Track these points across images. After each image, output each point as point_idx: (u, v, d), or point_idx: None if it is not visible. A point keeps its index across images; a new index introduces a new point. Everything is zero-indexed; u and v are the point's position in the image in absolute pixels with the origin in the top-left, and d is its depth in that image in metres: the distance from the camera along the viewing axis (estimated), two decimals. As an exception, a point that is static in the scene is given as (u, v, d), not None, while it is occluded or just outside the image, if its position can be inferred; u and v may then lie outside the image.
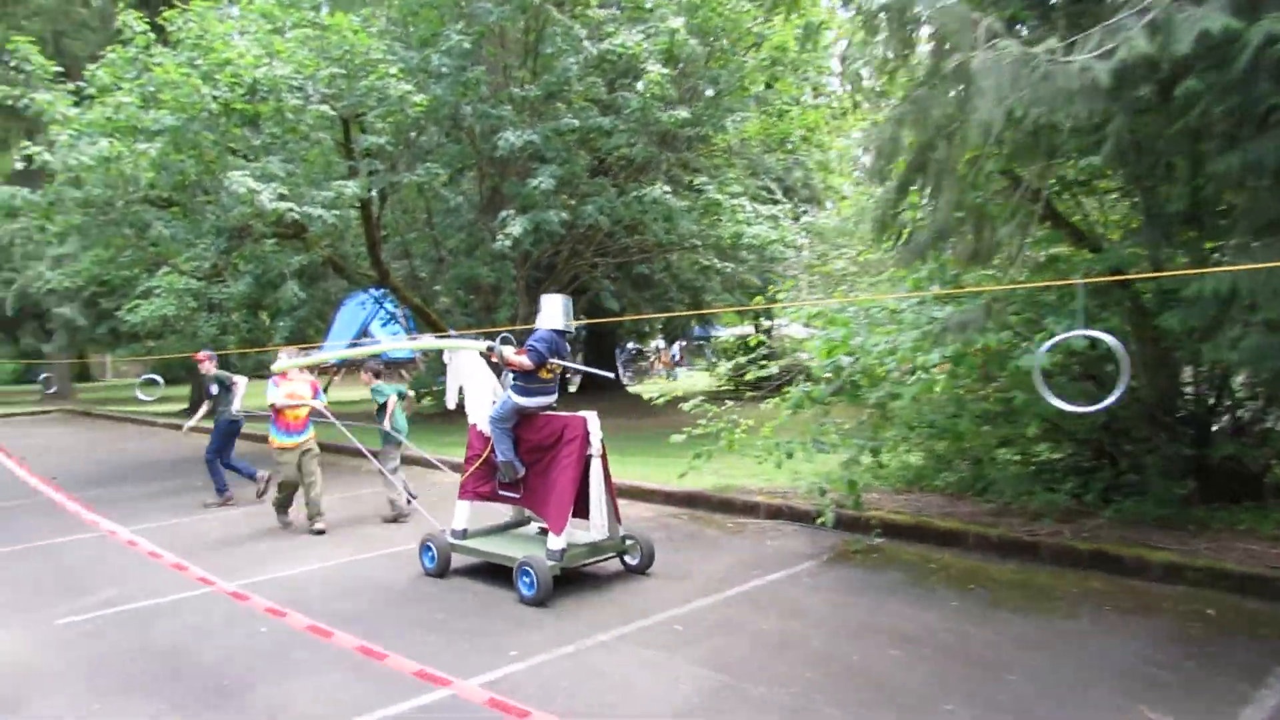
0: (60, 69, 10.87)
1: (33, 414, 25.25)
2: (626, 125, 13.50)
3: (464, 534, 6.45)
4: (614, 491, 6.31)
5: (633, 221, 14.41)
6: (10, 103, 10.12)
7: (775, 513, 7.83)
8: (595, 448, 6.05)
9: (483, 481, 6.50)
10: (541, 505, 6.14)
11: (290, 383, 8.12)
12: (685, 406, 8.12)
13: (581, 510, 6.11)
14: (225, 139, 10.58)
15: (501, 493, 6.42)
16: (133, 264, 13.69)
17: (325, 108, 10.61)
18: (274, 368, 8.02)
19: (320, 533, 7.81)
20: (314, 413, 8.26)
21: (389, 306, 20.13)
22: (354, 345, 27.81)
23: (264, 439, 8.94)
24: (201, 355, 9.68)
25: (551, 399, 6.35)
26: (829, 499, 6.65)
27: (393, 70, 10.82)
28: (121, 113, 9.75)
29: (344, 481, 10.56)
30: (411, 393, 12.02)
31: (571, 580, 6.06)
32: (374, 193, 11.42)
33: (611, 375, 24.72)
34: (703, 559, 6.65)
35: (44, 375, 26.17)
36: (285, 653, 4.80)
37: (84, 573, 6.70)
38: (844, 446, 6.80)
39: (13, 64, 11.09)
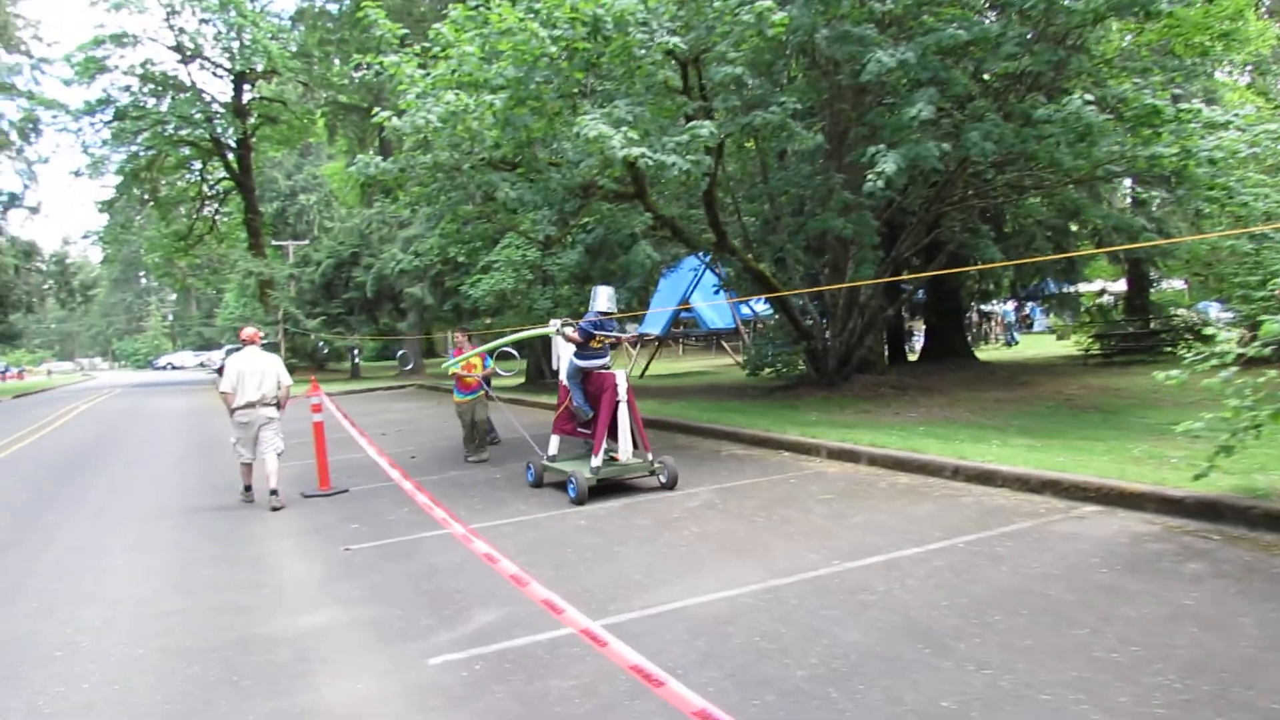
0: (406, 30, 10.37)
1: (389, 389, 27.01)
2: (1018, 30, 10.90)
3: (553, 459, 9.03)
4: (641, 425, 8.51)
5: (1016, 153, 11.75)
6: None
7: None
8: (621, 395, 8.36)
9: (565, 421, 9.17)
10: (592, 436, 8.49)
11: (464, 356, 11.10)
12: (1160, 376, 5.69)
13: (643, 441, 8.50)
14: (568, 85, 9.45)
15: (578, 430, 8.99)
16: (478, 235, 13.26)
17: (676, 39, 9.13)
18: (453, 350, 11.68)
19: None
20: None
21: (724, 269, 18.78)
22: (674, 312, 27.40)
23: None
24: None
25: (601, 361, 8.77)
26: None
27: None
28: (465, 64, 8.93)
29: (727, 469, 9.15)
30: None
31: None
32: (724, 135, 9.82)
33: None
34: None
35: (401, 352, 28.11)
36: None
37: (447, 584, 5.66)
38: None
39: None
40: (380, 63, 9.51)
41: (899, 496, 7.41)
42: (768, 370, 17.37)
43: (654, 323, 27.30)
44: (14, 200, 37.17)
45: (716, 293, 18.50)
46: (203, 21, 36.85)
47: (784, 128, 10.39)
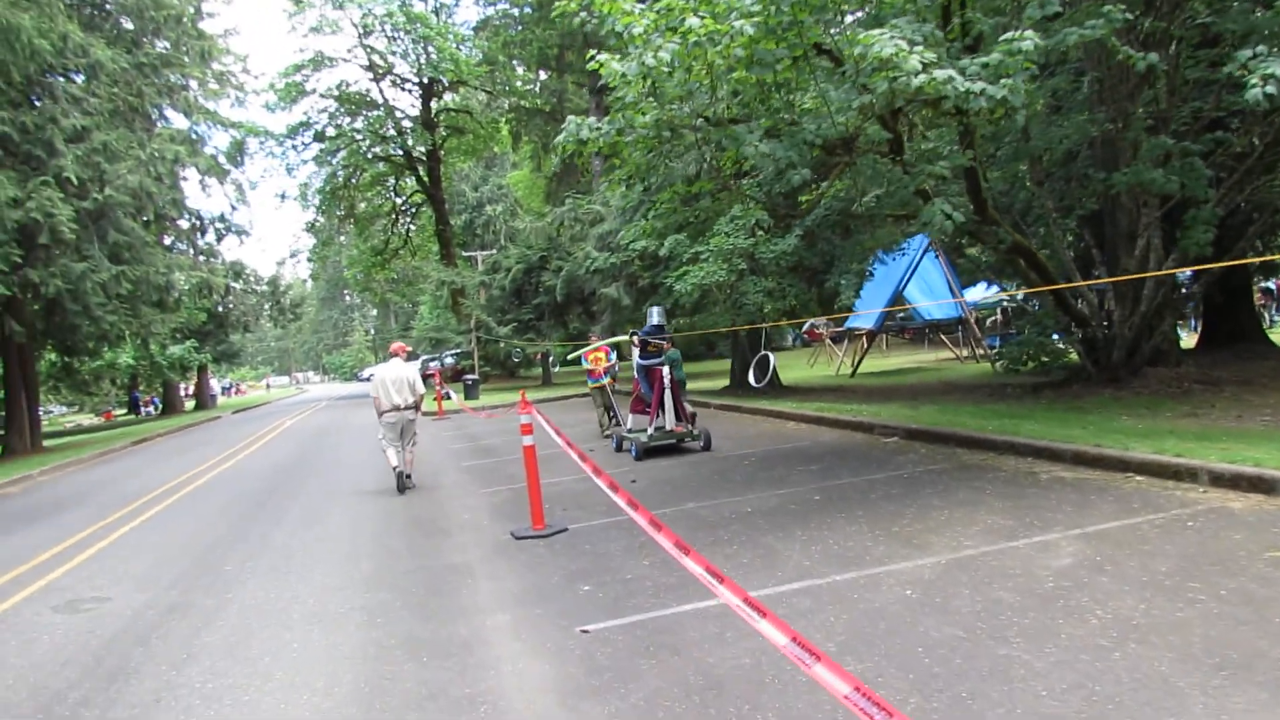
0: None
1: (585, 396, 25.65)
2: None
3: (629, 430, 12.47)
4: (680, 404, 12.06)
5: None
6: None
7: None
8: (666, 384, 11.73)
9: (636, 404, 12.68)
10: (649, 411, 12.00)
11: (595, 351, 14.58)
12: None
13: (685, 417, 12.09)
14: (827, 10, 7.29)
15: (646, 410, 12.23)
16: (700, 213, 11.28)
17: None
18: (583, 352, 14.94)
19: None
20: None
21: (970, 252, 15.94)
22: (889, 307, 24.61)
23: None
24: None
25: (656, 360, 12.13)
26: None
27: None
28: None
29: (1070, 503, 6.70)
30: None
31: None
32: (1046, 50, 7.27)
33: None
34: None
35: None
36: None
37: (748, 710, 3.64)
38: None
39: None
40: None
41: None
42: (1030, 364, 14.46)
43: (864, 315, 24.65)
44: (224, 222, 38.78)
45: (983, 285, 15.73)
46: (391, 38, 37.24)
47: (1111, 50, 7.75)
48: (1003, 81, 6.67)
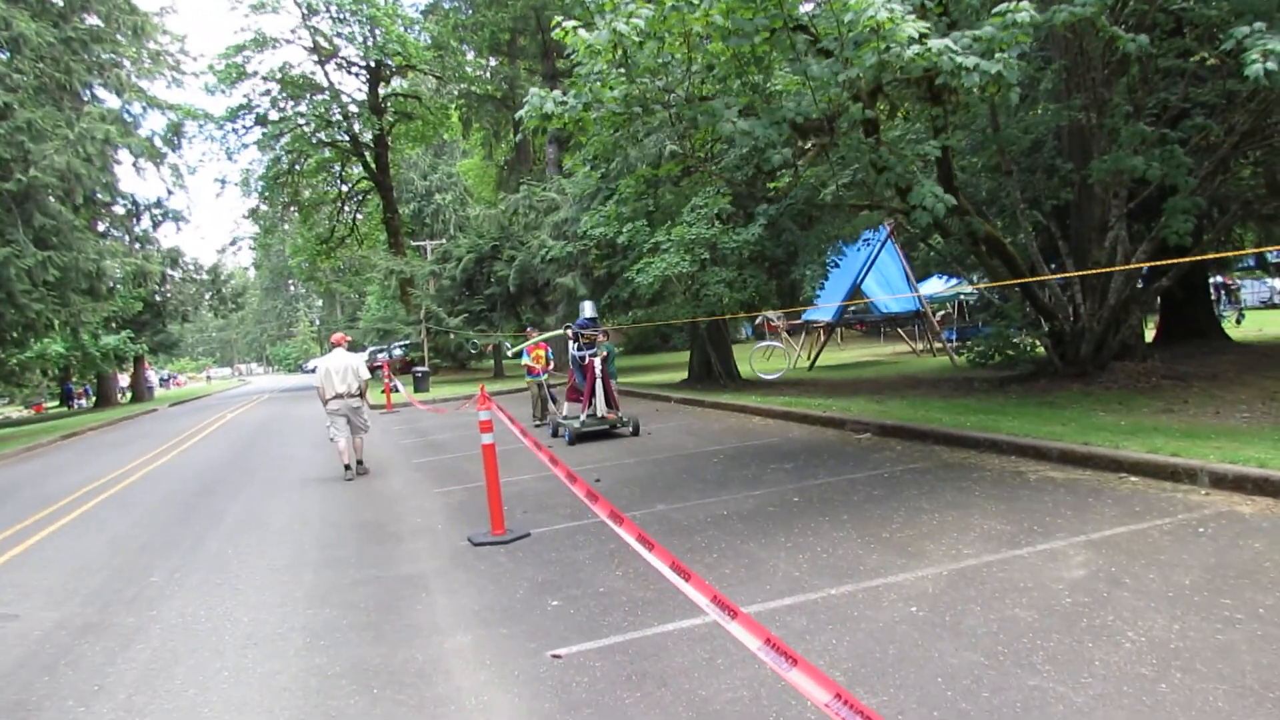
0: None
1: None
2: None
3: (565, 416, 13.53)
4: (612, 392, 13.16)
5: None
6: None
7: None
8: (597, 371, 12.81)
9: (571, 392, 13.60)
10: (582, 399, 12.95)
11: (535, 349, 15.48)
12: None
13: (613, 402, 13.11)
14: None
15: (578, 398, 13.11)
16: (667, 198, 10.74)
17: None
18: (524, 346, 15.98)
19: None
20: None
21: (930, 243, 15.57)
22: (847, 302, 24.38)
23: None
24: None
25: (589, 352, 12.93)
26: None
27: None
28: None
29: (1068, 507, 6.32)
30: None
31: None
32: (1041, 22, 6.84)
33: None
34: None
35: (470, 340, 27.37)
36: None
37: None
38: None
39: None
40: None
41: None
42: (997, 358, 14.22)
43: (822, 308, 24.35)
44: (161, 208, 37.25)
45: (946, 279, 15.45)
46: (337, 19, 36.04)
47: (1099, 29, 7.40)
48: (997, 56, 6.26)
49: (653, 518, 7.05)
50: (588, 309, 13.82)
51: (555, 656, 4.29)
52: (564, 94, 7.23)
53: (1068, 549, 5.26)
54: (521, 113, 7.32)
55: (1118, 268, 11.48)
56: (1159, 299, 19.26)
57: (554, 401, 15.43)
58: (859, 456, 9.04)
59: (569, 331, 13.38)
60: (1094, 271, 11.82)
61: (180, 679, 4.44)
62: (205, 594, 5.95)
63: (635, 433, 12.67)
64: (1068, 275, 12.24)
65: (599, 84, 7.32)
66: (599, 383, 12.79)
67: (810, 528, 6.25)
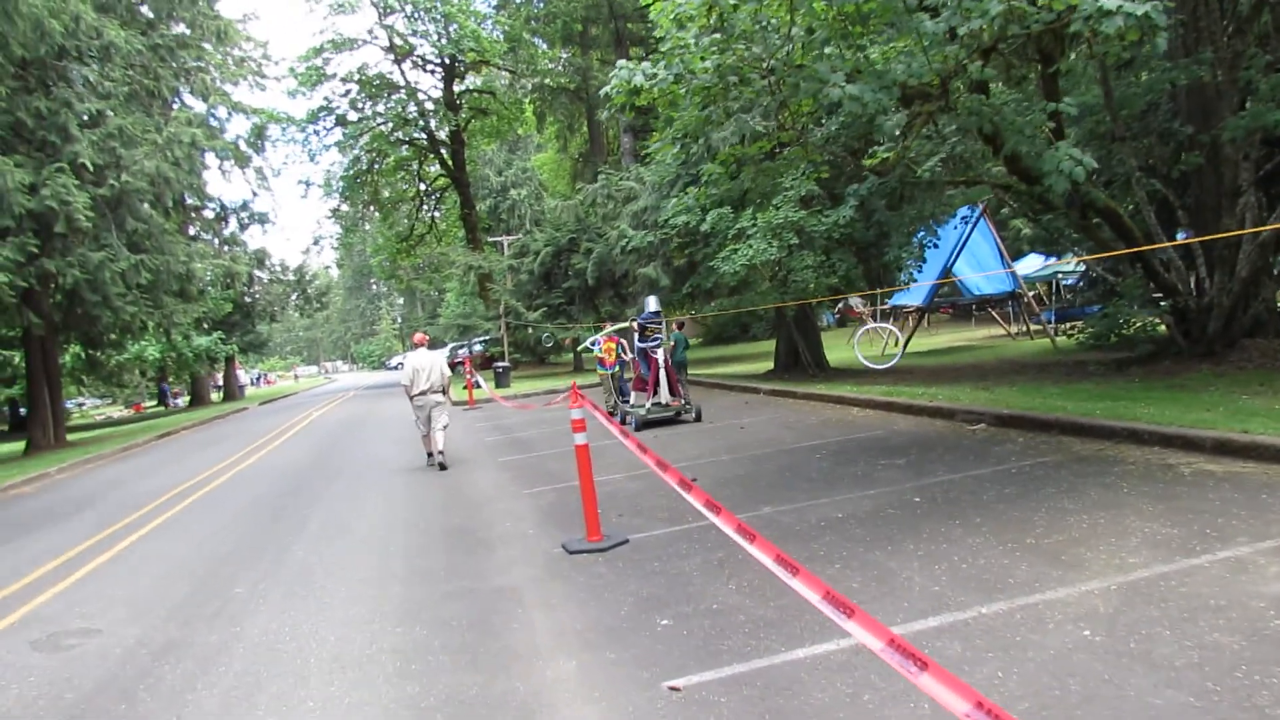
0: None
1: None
2: None
3: (632, 405, 14.01)
4: (674, 380, 13.63)
5: None
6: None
7: None
8: (660, 361, 13.45)
9: (638, 382, 14.23)
10: (649, 388, 13.65)
11: (608, 341, 15.25)
12: None
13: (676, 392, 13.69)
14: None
15: (644, 388, 13.80)
16: (762, 176, 10.09)
17: None
18: (598, 338, 15.93)
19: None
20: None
21: (1015, 223, 14.54)
22: (939, 283, 23.36)
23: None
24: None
25: (653, 343, 13.69)
26: None
27: None
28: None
29: (1247, 510, 5.56)
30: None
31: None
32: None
33: None
34: None
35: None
36: None
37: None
38: None
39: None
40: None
41: None
42: (1115, 339, 13.22)
43: (912, 291, 23.32)
44: (246, 210, 38.04)
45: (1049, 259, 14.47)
46: (412, 18, 36.18)
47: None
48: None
49: (759, 522, 6.49)
50: (652, 303, 14.55)
51: (673, 689, 3.78)
52: (653, 66, 6.69)
53: (1255, 557, 4.53)
54: (608, 88, 6.81)
55: (1263, 228, 10.40)
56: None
57: (623, 394, 15.63)
58: (978, 450, 8.31)
59: (634, 325, 14.13)
60: (1227, 235, 10.79)
61: (263, 709, 4.07)
62: (290, 608, 5.62)
63: (698, 419, 13.22)
64: (1200, 239, 11.19)
65: (690, 55, 6.76)
66: (662, 372, 13.49)
67: (941, 533, 5.62)
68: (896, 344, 21.32)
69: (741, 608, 4.68)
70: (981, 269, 23.73)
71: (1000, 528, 5.57)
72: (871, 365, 17.19)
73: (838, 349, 24.48)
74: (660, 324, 14.09)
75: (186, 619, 5.61)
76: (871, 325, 21.65)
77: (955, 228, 18.92)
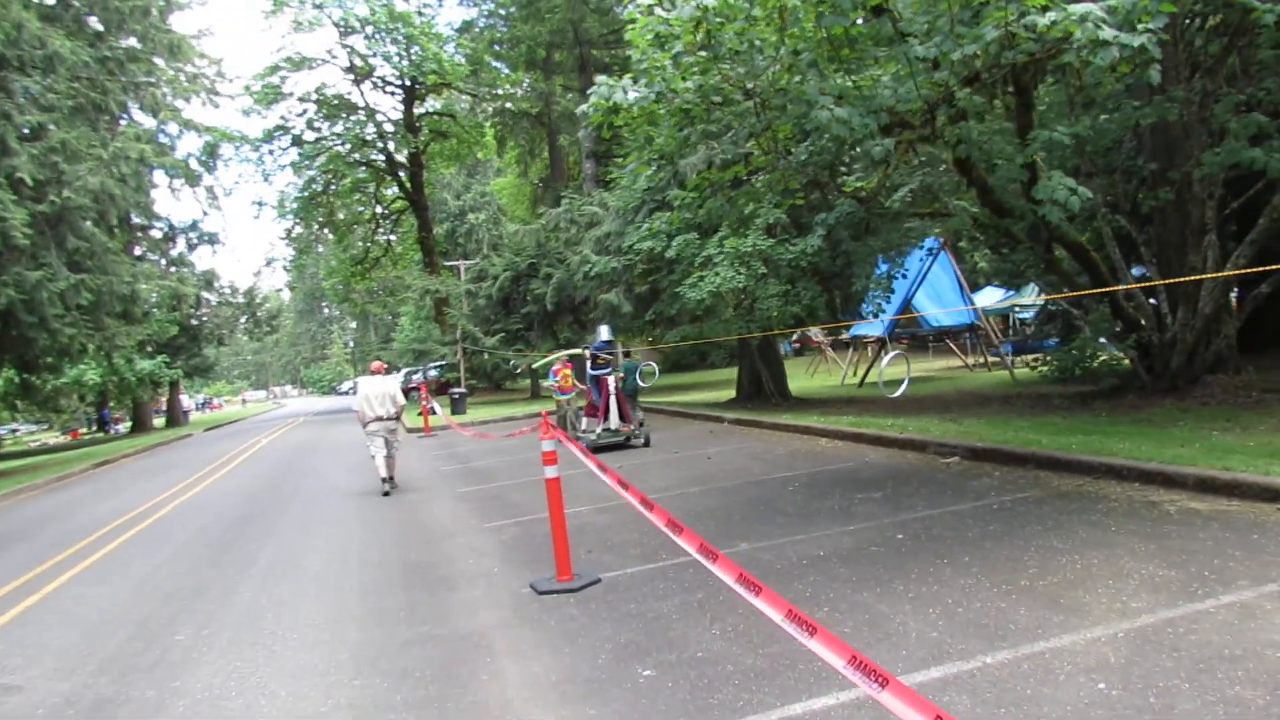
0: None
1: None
2: None
3: (583, 430, 14.08)
4: (625, 407, 14.03)
5: None
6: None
7: None
8: (611, 388, 13.89)
9: (589, 408, 14.47)
10: (599, 415, 14.06)
11: (562, 368, 16.06)
12: None
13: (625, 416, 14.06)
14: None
15: (595, 414, 14.16)
16: (741, 198, 9.91)
17: None
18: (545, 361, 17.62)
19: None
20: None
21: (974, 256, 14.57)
22: (898, 318, 23.41)
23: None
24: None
25: (604, 371, 14.14)
26: None
27: None
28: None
29: (1244, 551, 5.40)
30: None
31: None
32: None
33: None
34: None
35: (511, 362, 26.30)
36: None
37: None
38: None
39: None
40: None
41: None
42: (1078, 372, 13.25)
43: (872, 323, 23.35)
44: (196, 230, 37.15)
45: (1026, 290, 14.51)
46: (373, 38, 35.79)
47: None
48: (1140, 27, 5.41)
49: (738, 559, 6.19)
50: (604, 332, 15.01)
51: (662, 750, 3.47)
52: (633, 83, 6.47)
53: (1261, 602, 4.36)
54: (585, 106, 6.57)
55: (1225, 273, 10.50)
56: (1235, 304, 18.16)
57: (575, 419, 15.77)
58: (955, 485, 8.13)
59: (587, 352, 14.56)
60: (1197, 278, 10.87)
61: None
62: (236, 657, 5.18)
63: (646, 444, 13.79)
64: (1174, 281, 11.25)
65: (669, 74, 6.55)
66: (613, 399, 13.93)
67: (930, 573, 5.38)
68: (903, 369, 21.33)
69: (729, 656, 4.38)
70: (941, 301, 23.87)
71: (990, 568, 5.36)
72: (889, 394, 17.23)
73: (797, 378, 24.42)
74: (614, 352, 14.58)
75: (122, 671, 5.14)
76: (895, 353, 21.73)
77: (921, 260, 18.95)
